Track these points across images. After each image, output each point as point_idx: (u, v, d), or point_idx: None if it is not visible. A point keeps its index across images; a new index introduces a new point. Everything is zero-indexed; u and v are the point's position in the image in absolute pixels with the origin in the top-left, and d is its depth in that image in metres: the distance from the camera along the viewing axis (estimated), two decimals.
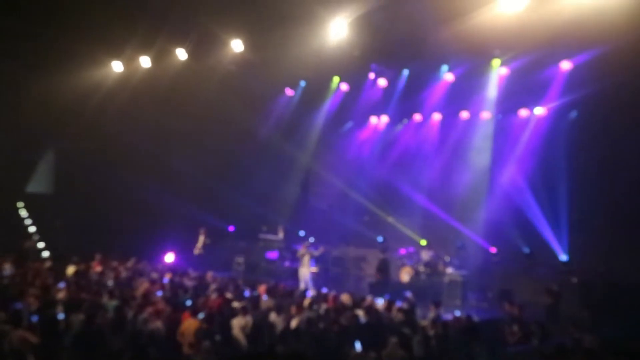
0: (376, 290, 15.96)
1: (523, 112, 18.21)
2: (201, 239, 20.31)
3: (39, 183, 22.63)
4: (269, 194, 21.51)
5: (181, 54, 18.36)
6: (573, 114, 17.15)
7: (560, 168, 16.67)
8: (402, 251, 18.31)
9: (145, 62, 18.89)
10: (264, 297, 12.75)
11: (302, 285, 16.61)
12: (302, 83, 20.49)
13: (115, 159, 20.37)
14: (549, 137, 17.35)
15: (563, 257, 16.17)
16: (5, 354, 8.36)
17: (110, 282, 14.09)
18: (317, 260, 17.54)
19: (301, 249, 17.46)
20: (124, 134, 19.89)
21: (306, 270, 17.04)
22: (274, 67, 17.87)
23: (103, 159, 20.24)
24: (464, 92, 18.13)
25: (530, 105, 17.90)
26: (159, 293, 12.65)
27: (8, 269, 14.88)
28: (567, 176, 16.50)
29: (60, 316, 10.25)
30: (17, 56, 17.52)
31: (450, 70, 17.76)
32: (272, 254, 20.29)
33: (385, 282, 16.49)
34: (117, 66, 19.43)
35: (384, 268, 16.80)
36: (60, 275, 14.65)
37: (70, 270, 15.26)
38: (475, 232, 17.92)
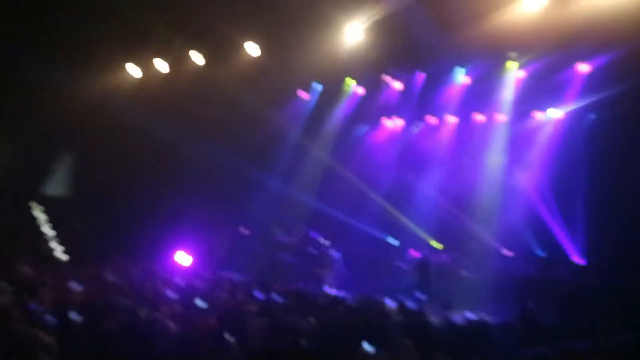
0: (389, 293, 15.88)
1: (539, 115, 18.05)
2: (224, 241, 20.39)
3: (55, 186, 22.86)
4: (284, 197, 21.50)
5: (197, 57, 18.48)
6: (591, 116, 16.97)
7: (578, 171, 16.49)
8: (415, 253, 18.22)
9: (162, 65, 19.03)
10: (278, 299, 12.73)
11: (326, 285, 16.75)
12: (318, 86, 20.50)
13: (132, 161, 20.51)
14: (566, 140, 17.19)
15: (580, 261, 15.99)
16: (19, 354, 8.42)
17: (125, 284, 14.15)
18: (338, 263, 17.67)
19: (325, 252, 17.57)
20: (140, 136, 20.02)
21: (329, 273, 17.19)
22: (290, 70, 17.93)
23: (120, 161, 20.38)
24: (480, 95, 18.02)
25: (547, 108, 17.75)
26: (173, 294, 12.69)
27: (25, 270, 15.00)
28: (585, 179, 16.32)
29: (75, 317, 10.31)
30: (33, 59, 17.71)
31: (466, 73, 17.68)
32: (287, 256, 20.25)
33: (424, 284, 16.19)
34: (133, 70, 19.59)
35: (423, 270, 16.53)
36: (75, 276, 14.74)
37: (86, 272, 15.36)
38: (490, 235, 17.79)
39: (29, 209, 21.84)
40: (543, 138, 17.80)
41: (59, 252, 20.41)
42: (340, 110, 20.99)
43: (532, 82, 16.66)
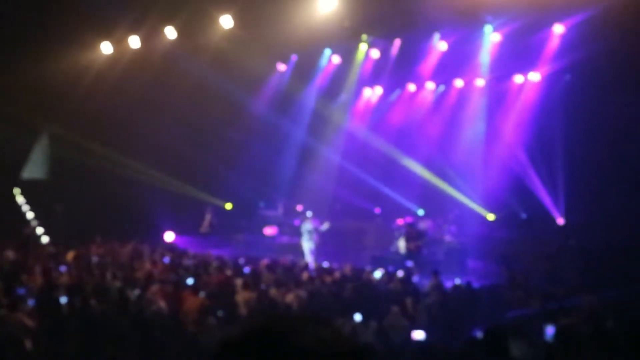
0: (376, 262, 16.02)
1: (517, 78, 18.12)
2: (207, 217, 20.28)
3: (34, 169, 22.56)
4: (265, 170, 21.44)
5: (170, 32, 18.20)
6: (567, 77, 17.06)
7: (556, 132, 16.63)
8: (400, 221, 18.32)
9: (134, 42, 18.72)
10: (265, 273, 12.80)
11: (307, 258, 16.67)
12: (294, 57, 20.32)
13: (108, 140, 20.26)
14: (544, 101, 17.28)
15: (560, 221, 16.22)
16: (1, 339, 8.40)
17: (111, 265, 14.12)
18: (318, 234, 17.57)
19: (306, 223, 17.44)
20: (116, 114, 19.77)
21: (311, 244, 17.09)
22: (265, 41, 17.72)
23: (96, 141, 20.13)
24: (457, 60, 18.01)
25: (524, 70, 17.81)
26: (160, 273, 12.69)
27: (10, 255, 14.90)
28: (563, 140, 16.47)
29: (63, 300, 10.30)
30: (4, 41, 17.30)
31: (442, 38, 17.62)
32: (271, 230, 20.30)
33: (418, 253, 16.19)
34: (106, 47, 19.26)
35: (417, 237, 16.37)
36: (60, 259, 14.69)
37: (71, 254, 15.29)
38: (473, 199, 17.96)
39: (9, 193, 21.56)
40: (521, 100, 17.89)
41: (42, 235, 20.25)
42: (318, 80, 20.87)
43: (509, 45, 16.68)
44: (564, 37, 15.85)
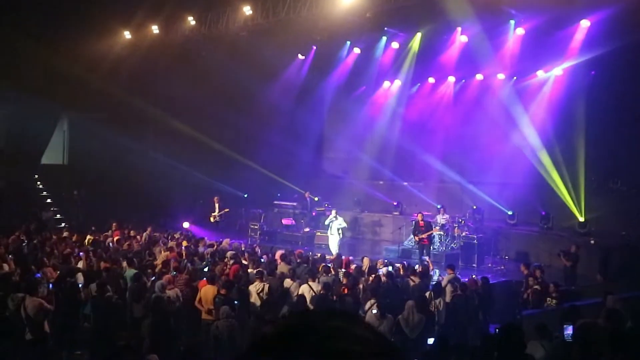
0: (392, 255, 15.91)
1: (540, 73, 17.87)
2: (217, 207, 20.19)
3: (53, 154, 22.76)
4: (283, 160, 21.38)
5: (190, 21, 18.23)
6: (591, 73, 16.80)
7: (578, 129, 16.40)
8: (416, 215, 18.19)
9: (153, 30, 18.77)
10: (280, 263, 12.76)
11: (333, 252, 16.22)
12: (314, 47, 20.19)
13: (127, 127, 20.35)
14: (567, 97, 17.03)
15: (580, 219, 15.99)
16: (21, 321, 8.50)
17: (127, 251, 14.18)
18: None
19: (332, 217, 17.03)
20: (135, 101, 19.84)
21: (335, 237, 16.71)
22: (285, 31, 17.66)
23: (115, 127, 20.23)
24: (479, 54, 17.76)
25: (547, 65, 17.56)
26: (177, 260, 12.71)
27: (27, 240, 15.04)
28: (585, 137, 16.24)
29: (80, 285, 10.39)
30: (27, 28, 17.42)
31: (464, 32, 17.41)
32: (288, 220, 20.24)
33: (429, 244, 15.80)
34: (125, 35, 19.33)
35: (427, 229, 16.08)
36: (78, 244, 14.80)
37: (88, 239, 15.42)
38: (491, 195, 17.78)
39: (29, 178, 21.77)
40: (543, 95, 17.67)
41: (60, 220, 20.44)
42: (338, 71, 20.74)
43: (532, 39, 16.45)
44: (590, 33, 15.59)
